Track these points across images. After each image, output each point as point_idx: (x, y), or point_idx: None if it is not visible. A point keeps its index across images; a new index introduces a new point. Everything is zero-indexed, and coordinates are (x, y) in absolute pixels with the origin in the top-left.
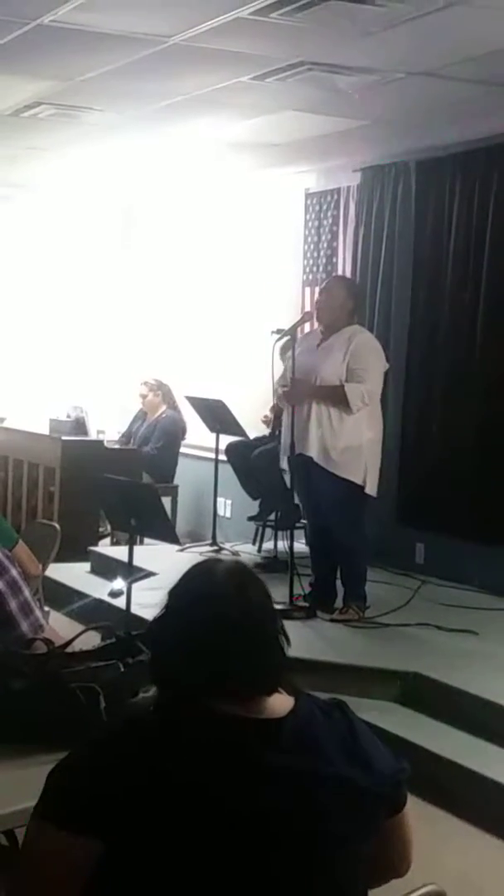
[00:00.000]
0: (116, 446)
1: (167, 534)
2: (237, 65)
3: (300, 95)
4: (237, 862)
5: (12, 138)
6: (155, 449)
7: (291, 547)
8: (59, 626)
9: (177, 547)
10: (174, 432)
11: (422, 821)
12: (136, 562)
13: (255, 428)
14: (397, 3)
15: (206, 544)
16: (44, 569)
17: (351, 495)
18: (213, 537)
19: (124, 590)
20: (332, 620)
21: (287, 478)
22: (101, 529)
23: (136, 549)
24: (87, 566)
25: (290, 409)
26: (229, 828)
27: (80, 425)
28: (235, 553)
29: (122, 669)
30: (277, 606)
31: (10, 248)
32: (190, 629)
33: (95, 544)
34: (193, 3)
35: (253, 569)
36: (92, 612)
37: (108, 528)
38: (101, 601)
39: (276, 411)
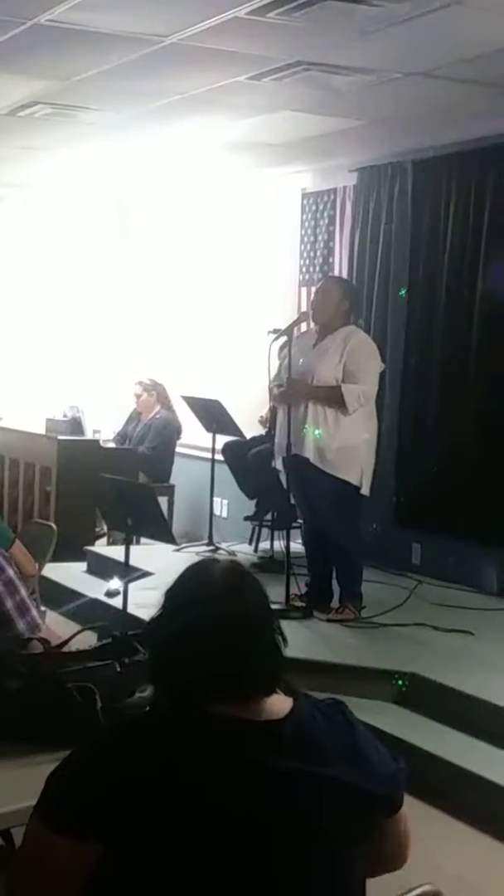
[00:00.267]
0: (112, 446)
1: (163, 534)
2: (234, 64)
3: (297, 95)
4: (236, 863)
5: (8, 138)
6: (149, 449)
7: (288, 547)
8: (56, 625)
9: (173, 547)
10: (168, 433)
11: (417, 820)
12: (133, 562)
13: (251, 428)
14: (394, 3)
15: (203, 544)
16: (40, 569)
17: (346, 495)
18: (210, 537)
19: (121, 590)
20: (328, 620)
21: (283, 478)
22: (97, 529)
23: (133, 548)
24: (83, 566)
25: (285, 410)
26: (228, 829)
27: (76, 425)
28: (232, 553)
29: (119, 669)
30: (274, 606)
31: (6, 248)
32: (186, 630)
33: (92, 544)
34: (190, 3)
35: (249, 569)
36: (88, 612)
37: (105, 527)
38: (97, 601)
39: (273, 411)
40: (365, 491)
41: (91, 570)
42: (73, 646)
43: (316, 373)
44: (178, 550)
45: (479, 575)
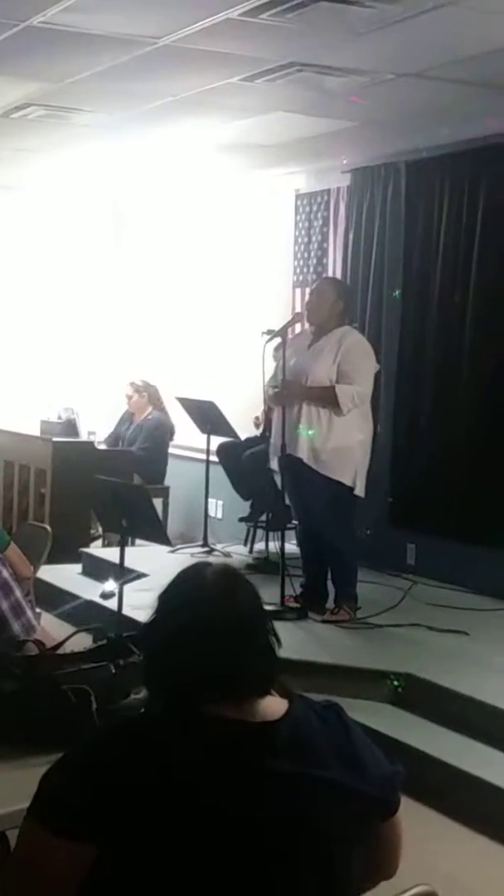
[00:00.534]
0: (105, 447)
1: (158, 535)
2: (227, 66)
3: (290, 96)
4: (232, 865)
5: (1, 140)
6: (141, 450)
7: (282, 548)
8: (51, 627)
9: (168, 548)
10: (159, 434)
11: (412, 821)
12: (128, 563)
13: (246, 429)
14: (386, 4)
15: (198, 545)
16: (35, 570)
17: (340, 496)
18: (205, 538)
19: (116, 591)
20: (323, 621)
21: (277, 479)
22: (92, 531)
23: (128, 550)
24: (78, 568)
25: (280, 410)
26: (225, 831)
27: (70, 427)
28: (227, 554)
29: (114, 671)
30: (268, 608)
31: None
32: (180, 633)
33: (87, 546)
34: (182, 4)
35: (244, 570)
36: (83, 614)
37: (100, 529)
38: (92, 603)
39: (268, 412)
40: (359, 492)
41: (86, 572)
42: (69, 647)
43: (310, 373)
44: (172, 552)
45: (474, 575)
